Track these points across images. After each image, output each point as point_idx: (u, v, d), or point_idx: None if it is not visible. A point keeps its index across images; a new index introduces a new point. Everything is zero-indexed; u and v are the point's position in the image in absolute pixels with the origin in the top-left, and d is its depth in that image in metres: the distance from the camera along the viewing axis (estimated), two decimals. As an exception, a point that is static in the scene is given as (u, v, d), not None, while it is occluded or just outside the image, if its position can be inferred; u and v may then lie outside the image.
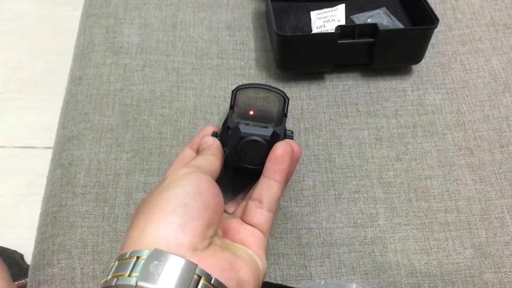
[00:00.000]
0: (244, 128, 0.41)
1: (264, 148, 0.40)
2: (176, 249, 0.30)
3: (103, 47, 0.57)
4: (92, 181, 0.48)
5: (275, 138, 0.41)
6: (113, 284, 0.29)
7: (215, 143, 0.42)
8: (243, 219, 0.38)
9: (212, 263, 0.31)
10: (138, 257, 0.29)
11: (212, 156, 0.40)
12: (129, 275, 0.29)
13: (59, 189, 0.48)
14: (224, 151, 0.42)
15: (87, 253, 0.45)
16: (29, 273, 0.46)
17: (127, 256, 0.30)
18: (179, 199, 0.33)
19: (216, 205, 0.34)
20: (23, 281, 0.86)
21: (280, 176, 0.38)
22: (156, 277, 0.28)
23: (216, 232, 0.35)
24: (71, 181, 0.48)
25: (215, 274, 0.30)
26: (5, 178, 1.09)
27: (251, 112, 0.44)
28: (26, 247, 0.95)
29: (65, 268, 0.44)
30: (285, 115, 0.43)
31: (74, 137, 0.51)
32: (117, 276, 0.29)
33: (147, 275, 0.28)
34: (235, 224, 0.38)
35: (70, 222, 0.46)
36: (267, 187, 0.38)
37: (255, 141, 0.40)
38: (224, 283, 0.30)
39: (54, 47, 1.28)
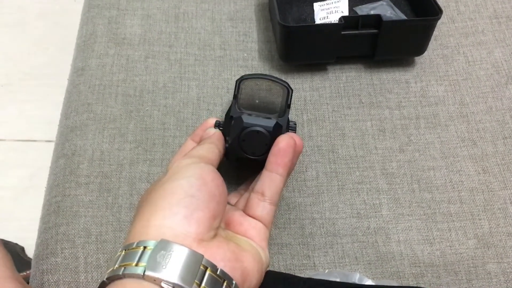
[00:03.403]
0: (247, 119, 0.41)
1: (267, 139, 0.40)
2: (182, 239, 0.30)
3: (105, 38, 0.57)
4: (96, 171, 0.48)
5: (278, 129, 0.41)
6: (121, 273, 0.29)
7: (216, 133, 0.42)
8: (246, 211, 0.38)
9: (218, 254, 0.31)
10: (145, 247, 0.29)
11: (211, 145, 0.40)
12: (136, 265, 0.29)
13: (63, 179, 0.48)
14: (227, 141, 0.42)
15: (91, 243, 0.45)
16: (33, 262, 0.46)
17: (134, 246, 0.30)
18: (184, 190, 0.33)
19: (221, 195, 0.35)
20: (25, 273, 0.86)
21: (282, 169, 0.38)
22: (164, 267, 0.28)
23: (220, 223, 0.35)
24: (75, 171, 0.48)
25: (221, 265, 0.30)
26: (5, 171, 1.08)
27: (255, 103, 0.44)
28: (27, 239, 0.95)
29: (69, 258, 0.44)
30: (289, 106, 0.43)
31: (77, 127, 0.51)
32: (125, 266, 0.29)
33: (154, 265, 0.28)
34: (238, 217, 0.38)
35: (74, 211, 0.46)
36: (270, 180, 0.38)
37: (258, 131, 0.40)
38: (229, 274, 0.31)
39: (55, 40, 1.28)
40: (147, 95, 0.53)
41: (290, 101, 0.43)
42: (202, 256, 0.29)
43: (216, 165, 0.39)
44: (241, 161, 0.42)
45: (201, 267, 0.29)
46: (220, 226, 0.35)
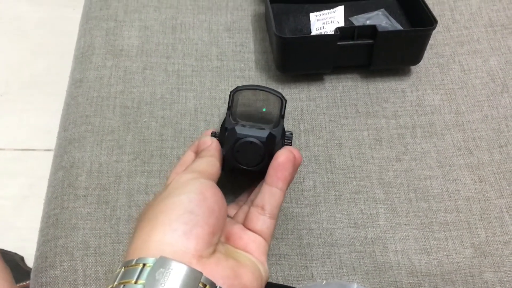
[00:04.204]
0: (240, 130, 0.41)
1: (260, 149, 0.40)
2: (181, 256, 0.30)
3: (103, 50, 0.57)
4: (94, 183, 0.48)
5: (271, 139, 0.41)
6: None
7: (213, 143, 0.42)
8: (245, 225, 0.38)
9: (217, 271, 0.31)
10: (144, 264, 0.30)
11: (211, 158, 0.40)
12: (135, 282, 0.29)
13: (61, 191, 0.48)
14: (222, 151, 0.42)
15: (89, 255, 0.45)
16: (32, 275, 0.46)
17: (133, 263, 0.30)
18: (184, 206, 0.33)
19: (220, 211, 0.35)
20: (24, 283, 0.87)
21: (282, 183, 0.39)
22: (162, 284, 0.28)
23: (219, 239, 0.35)
24: (73, 183, 0.48)
25: (220, 283, 0.30)
26: (5, 180, 1.09)
27: (249, 113, 0.44)
28: (26, 249, 0.95)
29: (68, 270, 0.44)
30: (283, 117, 0.43)
31: (75, 139, 0.51)
32: (124, 283, 0.29)
33: (153, 283, 0.28)
34: (238, 230, 0.38)
35: (72, 224, 0.46)
36: (270, 194, 0.38)
37: (251, 142, 0.40)
38: None
39: (54, 49, 1.29)
40: (145, 106, 0.53)
41: (284, 112, 0.44)
42: (201, 273, 0.30)
43: (217, 179, 0.39)
44: (236, 171, 0.42)
45: (200, 284, 0.29)
46: (219, 241, 0.35)
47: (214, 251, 0.33)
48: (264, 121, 0.43)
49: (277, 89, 0.45)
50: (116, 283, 0.30)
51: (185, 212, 0.32)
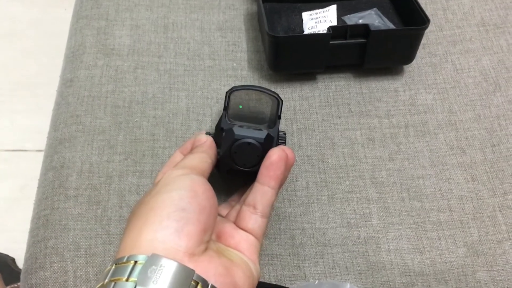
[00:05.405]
0: (238, 130, 0.41)
1: (258, 150, 0.40)
2: (173, 253, 0.30)
3: (94, 49, 0.57)
4: (85, 184, 0.48)
5: (269, 140, 0.41)
6: None
7: (208, 140, 0.42)
8: (237, 224, 0.38)
9: (209, 269, 0.31)
10: (135, 262, 0.29)
11: (203, 154, 0.40)
12: (126, 280, 0.29)
13: (51, 192, 0.48)
14: (218, 153, 0.42)
15: (80, 256, 0.44)
16: (21, 276, 0.46)
17: (125, 260, 0.30)
18: (175, 203, 0.33)
19: (211, 208, 0.34)
20: (15, 285, 0.86)
21: (274, 182, 0.38)
22: (154, 282, 0.28)
23: (211, 236, 0.35)
24: (63, 184, 0.48)
25: (212, 280, 0.30)
26: (-4, 181, 1.08)
27: (245, 114, 0.44)
28: (17, 250, 0.94)
29: (58, 271, 0.44)
30: (279, 117, 0.43)
31: (65, 139, 0.51)
32: (115, 281, 0.29)
33: (145, 280, 0.28)
34: (229, 229, 0.38)
35: (63, 225, 0.46)
36: (262, 193, 0.38)
37: (249, 143, 0.40)
38: None
39: (46, 49, 1.28)
40: (136, 106, 0.53)
41: (281, 112, 0.43)
42: (193, 271, 0.29)
43: (208, 175, 0.39)
44: (232, 172, 0.42)
45: (192, 282, 0.29)
46: (211, 239, 0.35)
47: (206, 249, 0.33)
48: (260, 122, 0.43)
49: (270, 89, 0.45)
50: (107, 280, 0.29)
51: (176, 209, 0.32)
